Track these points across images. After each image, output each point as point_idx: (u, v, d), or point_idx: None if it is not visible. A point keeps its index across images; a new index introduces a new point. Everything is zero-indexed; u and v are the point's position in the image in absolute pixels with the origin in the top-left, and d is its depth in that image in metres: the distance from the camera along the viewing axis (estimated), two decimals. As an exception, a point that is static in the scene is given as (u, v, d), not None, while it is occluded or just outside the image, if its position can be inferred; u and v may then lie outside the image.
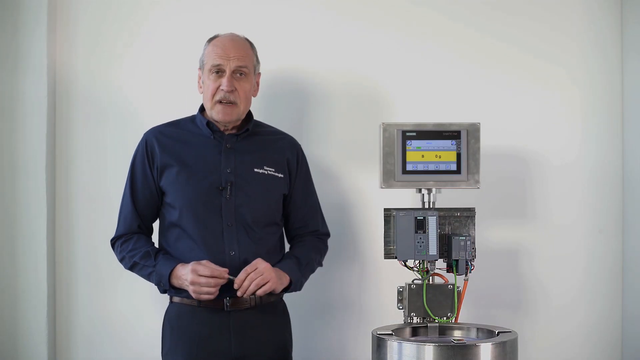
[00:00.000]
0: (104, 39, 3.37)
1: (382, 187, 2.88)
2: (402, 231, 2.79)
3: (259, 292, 2.64)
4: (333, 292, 3.37)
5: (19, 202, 3.26)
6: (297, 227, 2.92)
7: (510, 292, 3.39)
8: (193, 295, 2.60)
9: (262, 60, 3.33)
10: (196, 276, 2.57)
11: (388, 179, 2.86)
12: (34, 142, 3.25)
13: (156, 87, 3.37)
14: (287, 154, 2.88)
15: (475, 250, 2.84)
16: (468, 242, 2.78)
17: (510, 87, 3.42)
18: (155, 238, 2.89)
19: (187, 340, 2.67)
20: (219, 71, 2.71)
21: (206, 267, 2.59)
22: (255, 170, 2.77)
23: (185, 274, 2.60)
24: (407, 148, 2.86)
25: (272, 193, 2.81)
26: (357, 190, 3.37)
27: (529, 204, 3.41)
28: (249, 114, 2.87)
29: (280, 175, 2.82)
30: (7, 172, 3.26)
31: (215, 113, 2.73)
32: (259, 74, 2.88)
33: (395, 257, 2.81)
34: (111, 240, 2.83)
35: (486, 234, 3.29)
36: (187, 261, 2.66)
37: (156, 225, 2.90)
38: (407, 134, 2.86)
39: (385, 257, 2.86)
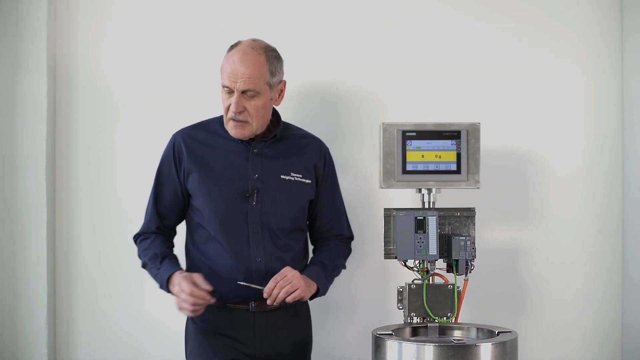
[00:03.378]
0: (104, 38, 3.37)
1: (382, 187, 2.88)
2: (402, 231, 2.79)
3: (289, 299, 2.63)
4: (333, 292, 3.35)
5: (19, 202, 3.26)
6: (322, 231, 2.91)
7: (510, 292, 3.39)
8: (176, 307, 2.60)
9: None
10: (179, 291, 2.56)
11: (388, 179, 2.87)
12: (34, 142, 3.25)
13: (157, 86, 3.37)
14: (315, 158, 2.86)
15: (475, 250, 2.84)
16: (468, 242, 2.78)
17: (510, 87, 3.42)
18: (181, 237, 2.89)
19: (212, 341, 2.68)
20: (229, 90, 2.68)
21: (188, 284, 2.54)
22: (282, 176, 2.76)
23: (174, 285, 2.60)
24: (407, 148, 2.86)
25: (298, 200, 2.80)
26: (357, 190, 3.37)
27: (529, 204, 3.41)
28: (278, 117, 2.86)
29: (307, 181, 2.81)
30: (7, 172, 3.26)
31: (229, 129, 2.72)
32: (283, 82, 2.79)
33: (395, 257, 2.82)
34: (133, 237, 2.85)
35: (486, 234, 3.30)
36: (214, 265, 2.68)
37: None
38: (407, 134, 2.86)
39: (385, 257, 2.86)
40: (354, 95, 3.39)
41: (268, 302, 2.63)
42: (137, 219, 2.90)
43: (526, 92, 3.42)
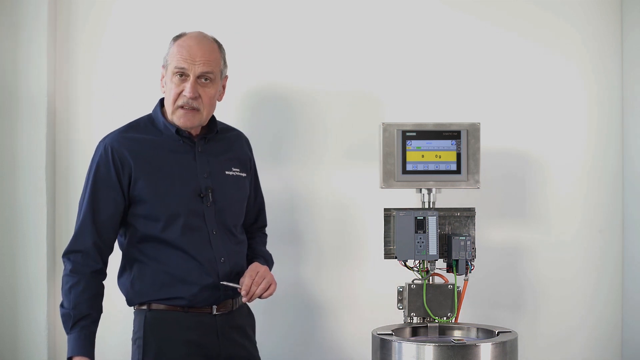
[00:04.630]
0: (104, 38, 3.37)
1: (382, 187, 2.88)
2: (402, 231, 2.79)
3: (265, 295, 2.61)
4: (333, 292, 3.37)
5: (19, 202, 3.26)
6: (250, 224, 2.86)
7: (510, 292, 3.39)
8: None
9: (263, 61, 3.34)
10: None
11: (388, 179, 2.87)
12: (34, 142, 3.25)
13: (156, 88, 3.36)
14: (247, 152, 2.82)
15: (475, 250, 2.84)
16: (468, 242, 2.78)
17: (510, 88, 3.42)
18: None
19: (176, 346, 2.60)
20: (182, 75, 2.57)
21: None
22: (227, 172, 2.70)
23: None
24: (407, 148, 2.86)
25: (242, 194, 2.76)
26: (357, 190, 3.37)
27: (529, 204, 3.41)
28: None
29: (244, 174, 2.76)
30: (7, 172, 3.26)
31: (176, 118, 2.60)
32: (226, 77, 2.71)
33: (395, 257, 2.82)
34: (63, 255, 2.59)
35: (486, 234, 3.29)
36: (178, 271, 2.57)
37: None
38: (407, 134, 2.86)
39: (385, 257, 2.86)
40: (354, 95, 3.39)
41: (244, 299, 2.60)
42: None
43: (526, 92, 3.42)
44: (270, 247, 2.90)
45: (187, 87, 2.56)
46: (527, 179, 3.41)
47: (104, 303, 2.64)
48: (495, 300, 3.37)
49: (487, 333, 2.73)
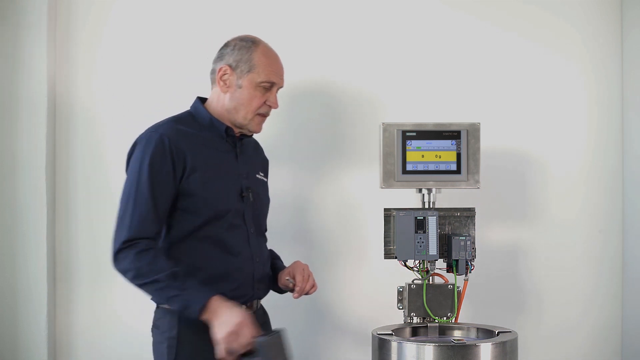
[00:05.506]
0: (104, 39, 3.37)
1: (382, 187, 2.88)
2: (402, 231, 2.79)
3: (311, 292, 2.65)
4: (333, 292, 3.37)
5: (19, 202, 3.26)
6: None
7: (511, 292, 3.39)
8: (222, 344, 2.36)
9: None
10: (237, 329, 2.37)
11: (388, 179, 2.87)
12: (34, 142, 3.25)
13: (156, 88, 3.37)
14: (265, 157, 2.86)
15: (475, 250, 2.84)
16: (468, 242, 2.78)
17: (510, 88, 3.42)
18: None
19: (211, 346, 2.46)
20: (270, 86, 2.62)
21: (244, 337, 2.37)
22: (257, 176, 2.74)
23: (229, 319, 2.38)
24: (407, 148, 2.86)
25: (267, 199, 2.80)
26: (357, 190, 3.37)
27: (529, 204, 3.41)
28: None
29: (266, 180, 2.81)
30: (7, 172, 3.26)
31: (254, 125, 2.63)
32: None
33: (395, 257, 2.82)
34: (122, 244, 2.46)
35: (486, 234, 3.30)
36: (215, 269, 2.54)
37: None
38: (407, 134, 2.86)
39: (385, 257, 2.86)
40: (353, 95, 3.39)
41: (295, 296, 2.63)
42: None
43: (526, 92, 3.42)
44: (270, 246, 2.91)
45: (273, 99, 2.63)
46: (527, 179, 3.41)
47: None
48: (495, 300, 3.37)
49: (487, 333, 2.73)
